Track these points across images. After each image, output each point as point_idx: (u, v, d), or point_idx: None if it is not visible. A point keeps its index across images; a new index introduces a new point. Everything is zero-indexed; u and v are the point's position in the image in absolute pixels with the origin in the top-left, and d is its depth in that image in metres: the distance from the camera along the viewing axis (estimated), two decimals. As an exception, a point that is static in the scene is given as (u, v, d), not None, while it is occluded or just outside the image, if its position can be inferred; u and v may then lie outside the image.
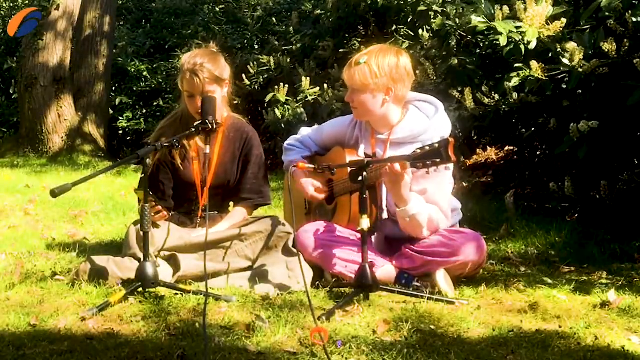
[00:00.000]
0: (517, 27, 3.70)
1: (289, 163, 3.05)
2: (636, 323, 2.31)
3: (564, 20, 3.57)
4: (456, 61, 4.30)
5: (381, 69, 2.74)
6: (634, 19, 3.37)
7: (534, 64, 3.52)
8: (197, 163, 3.04)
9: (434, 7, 4.55)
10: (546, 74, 3.55)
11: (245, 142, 3.10)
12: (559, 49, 3.55)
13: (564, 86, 3.63)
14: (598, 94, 3.61)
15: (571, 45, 3.45)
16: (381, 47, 2.83)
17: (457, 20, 4.29)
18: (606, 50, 3.36)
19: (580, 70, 3.42)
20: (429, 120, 2.81)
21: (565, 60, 3.48)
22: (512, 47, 3.71)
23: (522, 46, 3.66)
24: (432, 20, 4.58)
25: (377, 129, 2.90)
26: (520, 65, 3.64)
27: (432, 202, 2.72)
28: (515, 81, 3.64)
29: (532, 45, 3.61)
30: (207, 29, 9.44)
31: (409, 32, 5.26)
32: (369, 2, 5.40)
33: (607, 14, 3.49)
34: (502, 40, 3.67)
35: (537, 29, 3.60)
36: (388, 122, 2.85)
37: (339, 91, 5.63)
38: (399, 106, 2.84)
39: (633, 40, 3.39)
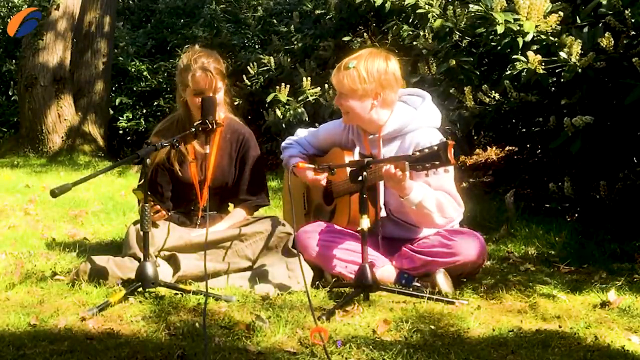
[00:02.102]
0: (515, 19, 3.70)
1: (289, 158, 3.06)
2: (636, 323, 2.31)
3: (561, 13, 3.57)
4: (454, 62, 4.30)
5: (370, 75, 2.73)
6: (633, 15, 3.37)
7: (531, 55, 3.52)
8: (194, 164, 3.04)
9: (433, 10, 4.55)
10: (544, 67, 3.54)
11: (241, 143, 3.10)
12: (556, 43, 3.55)
13: (562, 80, 3.63)
14: (596, 89, 3.60)
15: (569, 39, 3.45)
16: (371, 52, 2.83)
17: (455, 20, 4.29)
18: (604, 46, 3.37)
19: (578, 63, 3.42)
20: (416, 110, 2.82)
21: (562, 54, 3.48)
22: (509, 39, 3.71)
23: (519, 39, 3.66)
24: (430, 23, 4.59)
25: (368, 130, 2.90)
26: (517, 57, 3.64)
27: (438, 189, 2.69)
28: (510, 72, 3.64)
29: (529, 38, 3.62)
30: (212, 27, 9.42)
31: (410, 32, 5.25)
32: (374, 3, 5.37)
33: (606, 11, 3.49)
34: (499, 29, 3.67)
35: (535, 22, 3.60)
36: (377, 125, 2.85)
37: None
38: (388, 110, 2.84)
39: (631, 37, 3.39)
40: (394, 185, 2.58)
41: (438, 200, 2.65)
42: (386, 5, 5.18)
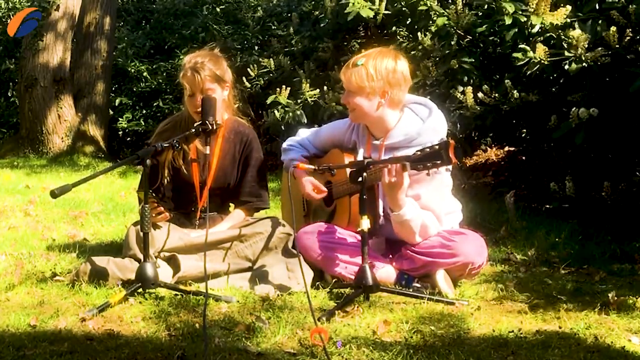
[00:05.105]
0: (522, 11, 3.70)
1: (289, 162, 3.05)
2: (636, 324, 2.31)
3: (568, 7, 3.56)
4: (456, 63, 4.29)
5: (378, 72, 2.73)
6: (638, 9, 3.36)
7: (540, 46, 3.50)
8: (196, 165, 3.04)
9: (434, 7, 4.53)
10: (549, 60, 3.53)
11: (245, 145, 3.10)
12: (562, 37, 3.54)
13: (570, 72, 3.60)
14: (600, 85, 3.60)
15: (576, 33, 3.44)
16: (380, 50, 2.82)
17: (457, 18, 4.28)
18: (608, 40, 3.36)
19: (583, 57, 3.41)
20: (423, 123, 2.79)
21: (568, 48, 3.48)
22: (515, 30, 3.69)
23: (525, 31, 3.65)
24: (432, 22, 4.56)
25: (374, 133, 2.89)
26: (523, 46, 3.62)
27: (426, 207, 2.71)
28: (520, 57, 3.59)
29: (535, 30, 3.61)
30: (206, 30, 9.43)
31: (409, 34, 5.24)
32: (364, 16, 5.30)
33: (611, 3, 3.48)
34: (507, 20, 3.66)
35: (542, 15, 3.59)
36: (384, 126, 2.84)
37: (338, 93, 5.63)
38: (395, 110, 2.83)
39: (635, 31, 3.38)
40: (390, 190, 2.57)
41: (423, 223, 2.69)
42: (378, 17, 5.10)
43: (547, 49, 3.52)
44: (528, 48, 3.58)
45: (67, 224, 4.16)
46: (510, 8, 3.69)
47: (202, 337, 2.08)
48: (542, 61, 3.51)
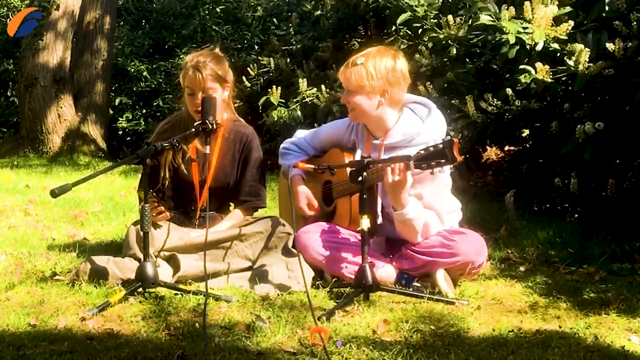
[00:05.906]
0: (524, 28, 3.68)
1: (287, 167, 3.05)
2: (636, 323, 2.31)
3: (571, 22, 3.54)
4: (452, 76, 4.27)
5: (377, 71, 2.73)
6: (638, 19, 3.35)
7: (539, 65, 3.49)
8: (196, 164, 3.04)
9: (428, 23, 4.51)
10: (551, 77, 3.52)
11: (244, 144, 3.10)
12: (565, 51, 3.52)
13: (568, 88, 3.59)
14: (603, 95, 3.58)
15: (577, 47, 3.43)
16: (379, 49, 2.82)
17: (453, 31, 4.25)
18: (612, 50, 3.34)
19: (586, 72, 3.40)
20: (423, 123, 2.79)
21: (570, 62, 3.46)
22: (518, 47, 3.67)
23: (528, 47, 3.63)
24: (428, 34, 4.54)
25: (373, 133, 2.88)
26: (525, 67, 3.61)
27: (428, 206, 2.71)
28: (523, 81, 3.58)
29: (539, 47, 3.59)
30: (204, 31, 9.45)
31: (409, 32, 5.23)
32: (370, 2, 5.29)
33: (610, 12, 3.47)
34: (511, 39, 3.64)
35: (544, 31, 3.58)
36: (384, 125, 2.83)
37: (336, 92, 5.63)
38: (395, 109, 2.83)
39: (638, 40, 3.37)
40: (393, 189, 2.56)
41: (426, 222, 2.69)
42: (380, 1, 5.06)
43: (548, 68, 3.49)
44: (530, 68, 3.55)
45: (67, 224, 4.16)
46: (512, 29, 3.65)
47: (202, 336, 2.08)
48: (545, 79, 3.49)
